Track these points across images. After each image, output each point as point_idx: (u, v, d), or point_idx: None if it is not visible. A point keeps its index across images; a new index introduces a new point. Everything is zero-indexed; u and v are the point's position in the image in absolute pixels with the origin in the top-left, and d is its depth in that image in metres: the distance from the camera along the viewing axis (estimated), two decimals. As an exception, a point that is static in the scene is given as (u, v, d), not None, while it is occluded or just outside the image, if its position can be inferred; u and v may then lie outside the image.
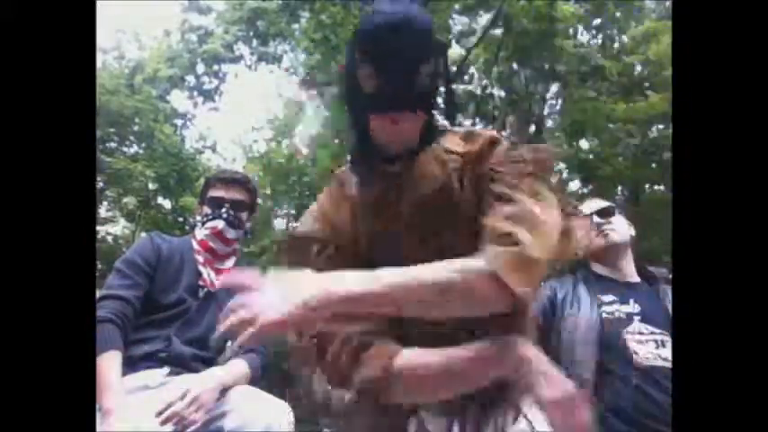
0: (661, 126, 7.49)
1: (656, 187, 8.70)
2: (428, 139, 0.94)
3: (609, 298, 1.64)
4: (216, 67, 9.58)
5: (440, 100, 1.00)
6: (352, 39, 0.91)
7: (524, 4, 7.23)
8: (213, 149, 11.94)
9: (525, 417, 0.89)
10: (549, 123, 9.81)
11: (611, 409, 1.44)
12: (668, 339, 1.52)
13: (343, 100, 0.99)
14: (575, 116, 7.93)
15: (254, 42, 9.25)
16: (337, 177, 1.03)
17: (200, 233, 1.68)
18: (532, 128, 9.23)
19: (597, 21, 9.07)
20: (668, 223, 0.72)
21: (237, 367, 1.49)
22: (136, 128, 9.50)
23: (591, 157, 8.31)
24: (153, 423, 1.28)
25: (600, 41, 9.32)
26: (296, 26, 8.52)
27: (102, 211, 9.92)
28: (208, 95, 9.88)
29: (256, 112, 21.45)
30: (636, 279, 1.72)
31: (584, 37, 9.22)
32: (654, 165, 7.75)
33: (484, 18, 8.85)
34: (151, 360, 1.47)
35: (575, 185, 8.90)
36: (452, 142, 0.95)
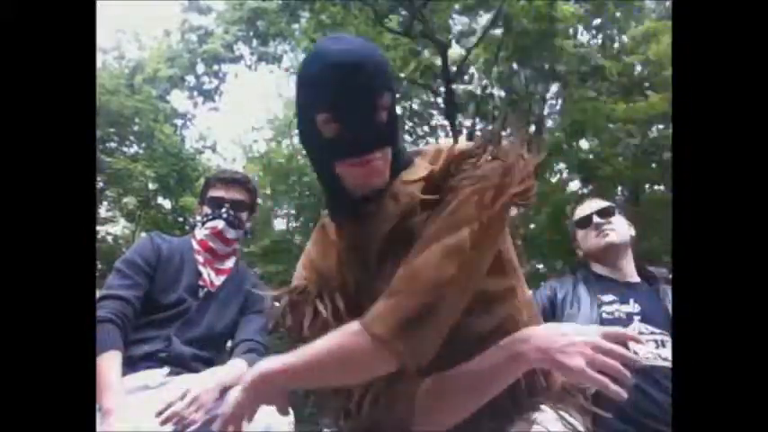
0: (661, 126, 7.49)
1: (656, 187, 8.70)
2: (395, 173, 0.90)
3: (609, 298, 1.64)
4: (216, 67, 9.57)
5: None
6: (300, 84, 0.87)
7: (524, 4, 7.22)
8: (213, 149, 11.94)
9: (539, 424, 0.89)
10: (549, 123, 9.81)
11: (612, 409, 1.44)
12: (668, 339, 1.52)
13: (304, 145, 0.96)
14: (575, 116, 7.92)
15: (254, 42, 9.25)
16: (321, 222, 1.02)
17: (200, 233, 1.68)
18: (532, 128, 9.23)
19: (597, 21, 9.07)
20: (668, 223, 0.72)
21: (237, 367, 1.49)
22: (136, 128, 9.50)
23: (591, 157, 8.31)
24: (153, 423, 1.28)
25: (600, 41, 9.31)
26: (296, 26, 8.52)
27: (102, 211, 9.91)
28: (208, 95, 9.88)
29: (256, 112, 21.48)
30: (636, 279, 1.72)
31: (584, 37, 9.22)
32: (654, 165, 7.75)
33: (484, 18, 8.85)
34: (151, 360, 1.47)
35: (575, 185, 8.90)
36: (418, 168, 0.91)
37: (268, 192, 10.19)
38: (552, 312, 1.65)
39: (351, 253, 0.93)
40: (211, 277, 1.64)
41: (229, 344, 1.66)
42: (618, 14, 8.88)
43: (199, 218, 1.73)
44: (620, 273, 1.72)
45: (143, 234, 7.87)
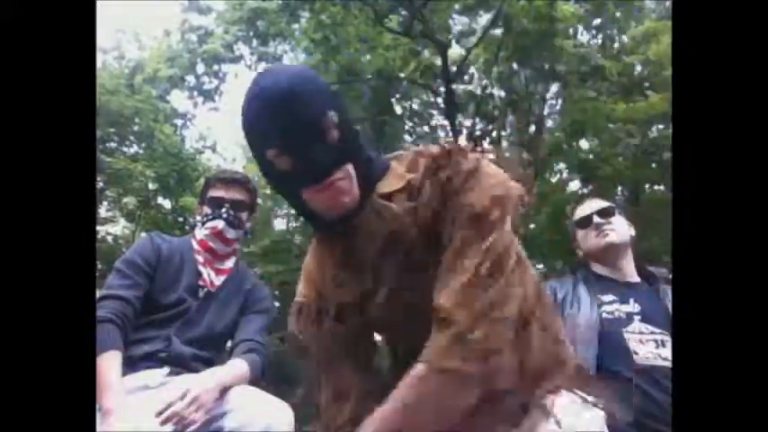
0: (661, 126, 7.50)
1: (656, 187, 8.70)
2: (369, 185, 0.88)
3: (609, 298, 1.64)
4: (216, 67, 9.56)
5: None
6: (243, 125, 0.86)
7: (524, 4, 7.22)
8: (213, 149, 11.94)
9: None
10: (549, 123, 9.81)
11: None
12: (668, 339, 1.52)
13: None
14: (575, 116, 7.93)
15: (254, 42, 9.25)
16: (316, 237, 1.02)
17: (200, 233, 1.68)
18: (532, 128, 9.24)
19: (597, 21, 9.08)
20: (668, 223, 0.72)
21: (237, 367, 1.49)
22: (136, 128, 9.50)
23: (591, 157, 8.31)
24: (153, 423, 1.28)
25: (600, 41, 9.32)
26: (296, 26, 8.52)
27: (102, 211, 9.92)
28: (208, 95, 9.87)
29: (256, 113, 21.36)
30: (636, 279, 1.72)
31: (584, 37, 9.23)
32: (654, 165, 7.76)
33: (484, 18, 8.86)
34: (151, 360, 1.47)
35: (575, 185, 8.90)
36: (393, 179, 0.90)
37: (268, 192, 10.19)
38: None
39: (345, 267, 0.94)
40: (211, 277, 1.64)
41: (229, 344, 1.66)
42: (618, 14, 8.89)
43: (199, 218, 1.73)
44: (620, 273, 1.72)
45: (143, 234, 7.87)
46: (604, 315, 1.59)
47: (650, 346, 1.51)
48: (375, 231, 0.88)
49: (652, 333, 1.54)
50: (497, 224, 0.82)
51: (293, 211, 11.18)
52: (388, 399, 0.80)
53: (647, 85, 7.96)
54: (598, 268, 1.75)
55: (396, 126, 9.74)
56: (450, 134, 8.28)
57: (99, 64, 9.63)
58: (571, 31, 8.41)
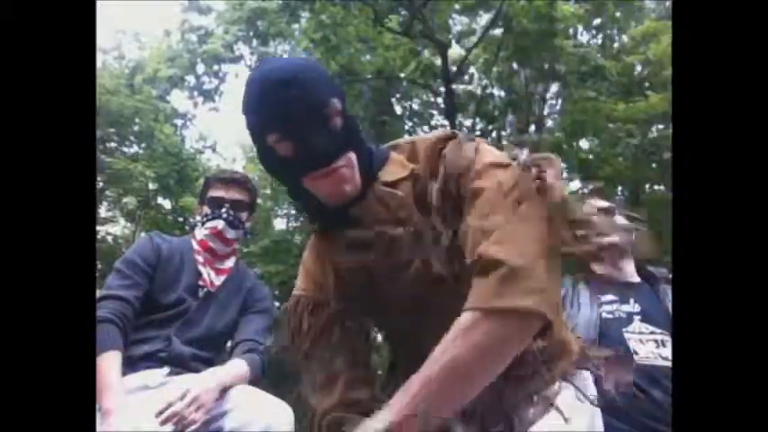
0: (661, 126, 7.49)
1: (656, 187, 8.70)
2: (371, 172, 0.88)
3: (609, 298, 1.64)
4: (216, 67, 9.56)
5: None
6: (245, 110, 0.85)
7: (524, 4, 7.22)
8: (213, 149, 11.94)
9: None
10: (549, 123, 9.81)
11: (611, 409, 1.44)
12: (668, 339, 1.52)
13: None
14: (575, 116, 7.92)
15: (254, 42, 9.25)
16: (315, 233, 1.01)
17: (200, 233, 1.68)
18: (532, 128, 9.23)
19: (597, 21, 9.08)
20: (668, 223, 0.72)
21: (237, 367, 1.49)
22: (136, 128, 9.50)
23: (591, 157, 8.31)
24: (153, 423, 1.28)
25: (600, 41, 9.32)
26: (296, 26, 8.52)
27: (102, 211, 9.92)
28: (208, 95, 9.86)
29: (256, 113, 21.37)
30: (636, 279, 1.72)
31: (584, 37, 9.23)
32: (654, 165, 7.76)
33: (484, 18, 8.86)
34: (151, 360, 1.47)
35: (575, 185, 8.88)
36: (395, 167, 0.90)
37: (268, 192, 10.19)
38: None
39: (349, 259, 0.92)
40: (211, 277, 1.64)
41: (229, 344, 1.66)
42: (618, 14, 8.89)
43: (199, 218, 1.73)
44: (620, 273, 1.72)
45: (143, 234, 7.87)
46: (604, 315, 1.59)
47: (650, 346, 1.51)
48: (380, 220, 0.87)
49: (652, 333, 1.54)
50: (513, 186, 0.79)
51: (293, 211, 11.18)
52: (428, 359, 0.72)
53: (647, 85, 7.96)
54: (598, 268, 1.75)
55: (396, 126, 9.74)
56: (450, 134, 8.26)
57: (99, 64, 9.63)
58: (571, 31, 8.42)
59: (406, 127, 10.18)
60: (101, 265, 6.74)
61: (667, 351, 1.50)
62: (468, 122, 9.48)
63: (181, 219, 9.97)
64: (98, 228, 9.19)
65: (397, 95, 10.04)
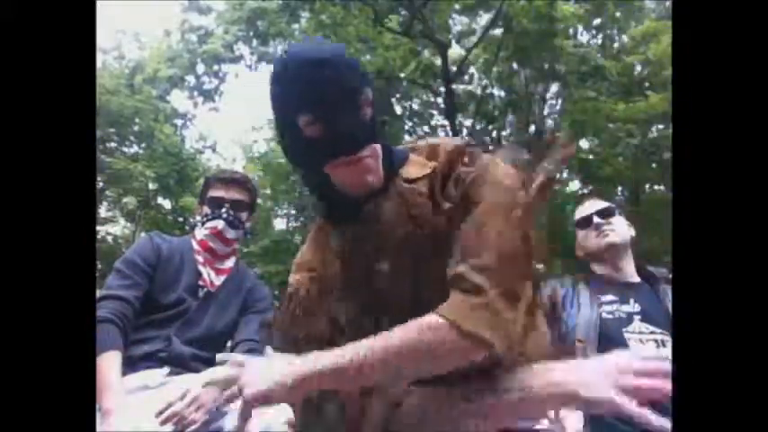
0: (661, 126, 7.50)
1: (656, 187, 8.71)
2: (392, 168, 0.88)
3: (609, 298, 1.64)
4: (216, 67, 9.57)
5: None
6: (276, 87, 0.84)
7: (524, 4, 7.23)
8: (213, 149, 11.96)
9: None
10: (549, 123, 9.81)
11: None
12: (668, 339, 1.52)
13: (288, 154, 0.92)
14: (575, 116, 7.93)
15: (254, 42, 9.26)
16: (318, 224, 1.01)
17: (200, 233, 1.68)
18: (532, 128, 9.24)
19: (597, 21, 9.09)
20: (668, 223, 0.72)
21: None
22: (136, 128, 9.51)
23: (591, 157, 8.32)
24: (153, 423, 1.28)
25: (600, 41, 9.33)
26: (296, 26, 8.53)
27: (102, 211, 9.93)
28: (208, 95, 9.88)
29: (256, 112, 21.50)
30: (636, 279, 1.72)
31: (584, 37, 9.24)
32: (654, 165, 7.77)
33: (484, 18, 8.87)
34: (151, 360, 1.47)
35: (575, 185, 8.90)
36: (415, 167, 0.90)
37: (268, 192, 10.20)
38: (553, 312, 1.66)
39: (357, 255, 0.91)
40: (211, 277, 1.64)
41: (229, 344, 1.66)
42: (618, 14, 8.90)
43: (199, 218, 1.73)
44: (620, 273, 1.72)
45: (143, 234, 7.87)
46: (604, 315, 1.59)
47: (650, 346, 1.51)
48: (398, 215, 0.86)
49: (652, 333, 1.54)
50: (515, 206, 0.82)
51: (293, 211, 11.19)
52: (383, 335, 0.77)
53: (647, 85, 7.97)
54: (598, 268, 1.75)
55: (396, 126, 9.75)
56: (450, 134, 8.29)
57: (99, 64, 9.63)
58: (571, 31, 8.42)
59: (406, 127, 10.19)
60: (101, 265, 6.75)
61: (667, 351, 1.50)
62: (468, 122, 9.49)
63: (181, 219, 9.99)
64: (98, 228, 9.19)
65: (397, 95, 10.05)
